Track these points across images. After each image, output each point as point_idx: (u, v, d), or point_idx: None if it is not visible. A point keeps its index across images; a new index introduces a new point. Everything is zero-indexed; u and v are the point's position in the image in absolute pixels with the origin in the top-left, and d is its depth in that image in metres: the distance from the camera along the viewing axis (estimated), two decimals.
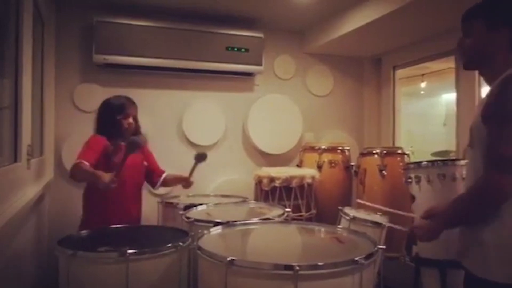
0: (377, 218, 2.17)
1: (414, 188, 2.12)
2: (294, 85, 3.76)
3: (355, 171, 3.13)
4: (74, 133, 2.97)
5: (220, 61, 3.24)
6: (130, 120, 2.35)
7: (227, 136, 3.52)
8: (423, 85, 5.07)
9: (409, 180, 2.13)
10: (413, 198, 2.14)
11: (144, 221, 2.47)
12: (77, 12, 3.06)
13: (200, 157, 2.56)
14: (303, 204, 2.87)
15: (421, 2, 2.45)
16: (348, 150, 3.30)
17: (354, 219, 2.11)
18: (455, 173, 1.97)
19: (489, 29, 1.31)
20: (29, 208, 1.88)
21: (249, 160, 3.59)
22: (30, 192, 1.97)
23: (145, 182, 2.53)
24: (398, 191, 2.71)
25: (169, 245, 1.55)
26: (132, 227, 2.07)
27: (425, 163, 2.06)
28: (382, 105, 3.96)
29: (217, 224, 1.78)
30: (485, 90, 1.71)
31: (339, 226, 2.03)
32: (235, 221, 1.82)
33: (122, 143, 2.25)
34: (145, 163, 2.47)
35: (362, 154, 3.05)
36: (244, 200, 2.62)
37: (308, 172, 2.94)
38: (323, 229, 1.82)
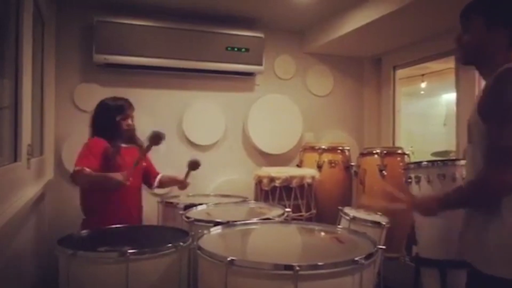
0: (377, 218, 2.17)
1: (414, 188, 2.11)
2: (294, 85, 3.76)
3: (355, 171, 3.13)
4: (74, 133, 2.97)
5: (220, 61, 3.24)
6: (129, 121, 2.34)
7: (227, 136, 3.52)
8: (423, 85, 5.07)
9: (409, 180, 2.13)
10: None
11: (144, 221, 2.47)
12: (78, 12, 3.06)
13: (193, 165, 2.59)
14: (303, 204, 2.87)
15: (421, 2, 2.45)
16: (348, 150, 3.30)
17: (354, 219, 2.12)
18: (455, 173, 1.97)
19: (488, 28, 1.31)
20: (29, 208, 1.88)
21: (249, 160, 3.59)
22: (30, 191, 1.97)
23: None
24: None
25: (169, 245, 1.55)
26: (132, 227, 2.07)
27: (425, 163, 2.05)
28: (382, 105, 3.96)
29: (217, 224, 1.78)
30: None
31: (339, 226, 2.03)
32: (235, 221, 1.82)
33: (122, 145, 2.25)
34: (143, 163, 2.47)
35: (362, 154, 3.04)
36: (244, 200, 2.62)
37: (308, 172, 2.94)
38: (323, 229, 1.82)
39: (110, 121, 2.28)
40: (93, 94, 3.02)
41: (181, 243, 1.58)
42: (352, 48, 3.64)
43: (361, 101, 4.02)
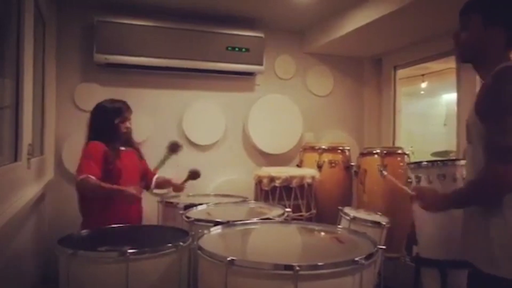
0: (377, 218, 2.17)
1: None
2: (295, 85, 3.77)
3: (355, 171, 3.13)
4: (74, 132, 2.97)
5: (220, 61, 3.24)
6: (128, 124, 2.33)
7: (227, 136, 3.52)
8: (423, 85, 5.07)
9: (409, 180, 2.13)
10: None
11: (144, 221, 2.47)
12: (78, 12, 3.06)
13: (194, 175, 2.59)
14: (303, 204, 2.87)
15: (421, 2, 2.45)
16: (348, 150, 3.30)
17: (354, 219, 2.12)
18: (455, 173, 1.97)
19: (486, 27, 1.31)
20: (29, 207, 1.89)
21: (249, 160, 3.59)
22: (30, 191, 1.97)
23: None
24: (398, 191, 2.71)
25: (169, 245, 1.55)
26: (132, 227, 2.07)
27: (425, 163, 2.05)
28: (382, 105, 3.96)
29: (217, 223, 1.78)
30: None
31: (339, 226, 2.03)
32: (235, 221, 1.82)
33: (121, 148, 2.24)
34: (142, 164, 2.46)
35: (362, 154, 3.04)
36: (244, 200, 2.62)
37: (308, 172, 2.94)
38: (323, 229, 1.82)
39: (108, 123, 2.25)
40: (93, 94, 3.02)
41: (181, 243, 1.58)
42: (352, 48, 3.64)
43: (361, 101, 4.02)
